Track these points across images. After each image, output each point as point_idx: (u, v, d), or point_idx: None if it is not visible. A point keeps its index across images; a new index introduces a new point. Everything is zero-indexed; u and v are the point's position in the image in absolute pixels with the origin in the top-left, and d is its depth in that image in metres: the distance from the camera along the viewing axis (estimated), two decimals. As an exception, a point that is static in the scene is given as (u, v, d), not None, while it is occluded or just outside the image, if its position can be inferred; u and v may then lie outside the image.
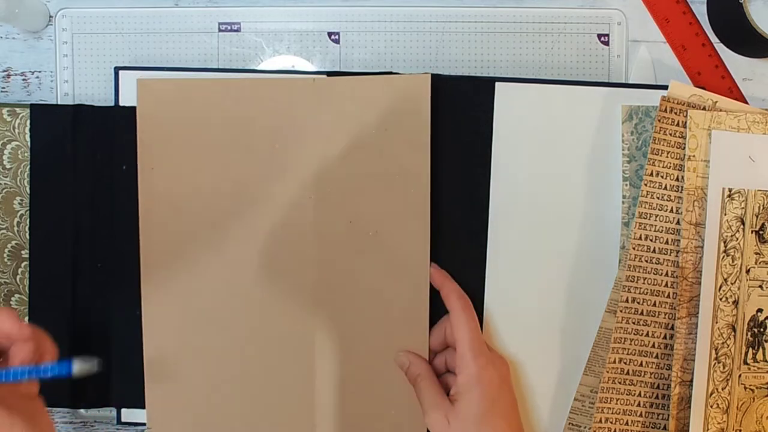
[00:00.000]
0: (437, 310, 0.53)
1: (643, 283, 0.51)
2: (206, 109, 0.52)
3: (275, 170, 0.53)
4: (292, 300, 0.53)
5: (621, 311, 0.51)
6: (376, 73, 0.53)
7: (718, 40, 0.56)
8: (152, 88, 0.52)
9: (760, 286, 0.51)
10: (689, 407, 0.50)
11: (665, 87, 0.52)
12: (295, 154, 0.53)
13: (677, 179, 0.51)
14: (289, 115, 0.53)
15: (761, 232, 0.51)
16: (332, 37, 0.56)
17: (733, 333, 0.51)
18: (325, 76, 0.53)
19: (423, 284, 0.53)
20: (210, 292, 0.53)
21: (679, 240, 0.51)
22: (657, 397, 0.52)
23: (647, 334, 0.51)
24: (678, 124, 0.51)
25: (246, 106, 0.52)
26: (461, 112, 0.53)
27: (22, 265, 0.54)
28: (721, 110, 0.52)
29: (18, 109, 0.54)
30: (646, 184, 0.51)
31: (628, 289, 0.51)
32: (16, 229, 0.54)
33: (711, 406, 0.50)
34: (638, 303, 0.51)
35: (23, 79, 0.57)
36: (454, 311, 0.50)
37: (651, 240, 0.51)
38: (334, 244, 0.53)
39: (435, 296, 0.53)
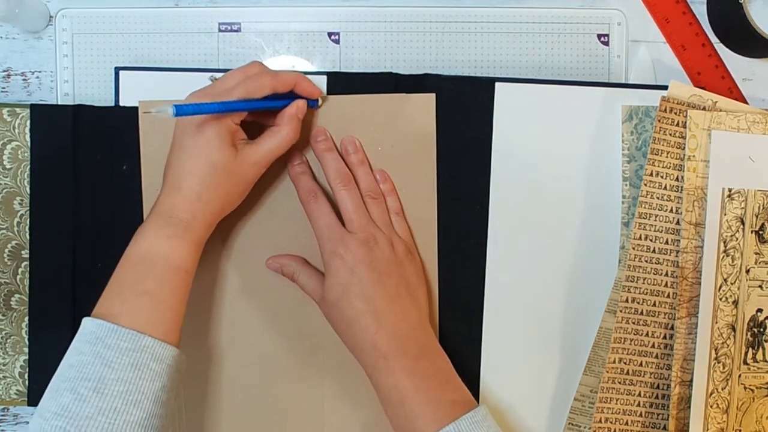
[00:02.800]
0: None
1: (643, 283, 0.51)
2: None
3: (283, 189, 0.53)
4: (300, 320, 0.53)
5: (621, 311, 0.51)
6: (378, 74, 0.54)
7: (718, 40, 0.56)
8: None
9: (760, 286, 0.51)
10: (689, 407, 0.50)
11: (665, 87, 0.52)
12: None
13: (677, 179, 0.51)
14: None
15: (761, 232, 0.51)
16: (332, 37, 0.56)
17: (732, 333, 0.51)
18: (326, 91, 0.53)
19: (433, 298, 0.53)
20: (213, 301, 0.53)
21: (679, 240, 0.51)
22: (657, 397, 0.52)
23: (647, 334, 0.51)
24: (678, 124, 0.51)
25: None
26: (461, 112, 0.53)
27: (22, 265, 0.54)
28: (721, 110, 0.52)
29: (18, 109, 0.54)
30: (646, 184, 0.51)
31: (628, 289, 0.51)
32: (16, 229, 0.54)
33: (711, 406, 0.50)
34: (638, 303, 0.51)
35: (23, 79, 0.57)
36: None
37: (651, 240, 0.51)
38: None
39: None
